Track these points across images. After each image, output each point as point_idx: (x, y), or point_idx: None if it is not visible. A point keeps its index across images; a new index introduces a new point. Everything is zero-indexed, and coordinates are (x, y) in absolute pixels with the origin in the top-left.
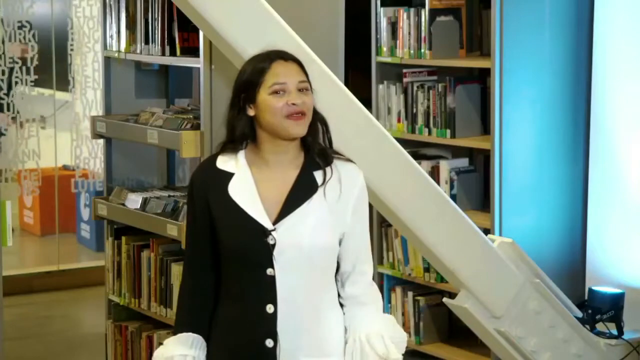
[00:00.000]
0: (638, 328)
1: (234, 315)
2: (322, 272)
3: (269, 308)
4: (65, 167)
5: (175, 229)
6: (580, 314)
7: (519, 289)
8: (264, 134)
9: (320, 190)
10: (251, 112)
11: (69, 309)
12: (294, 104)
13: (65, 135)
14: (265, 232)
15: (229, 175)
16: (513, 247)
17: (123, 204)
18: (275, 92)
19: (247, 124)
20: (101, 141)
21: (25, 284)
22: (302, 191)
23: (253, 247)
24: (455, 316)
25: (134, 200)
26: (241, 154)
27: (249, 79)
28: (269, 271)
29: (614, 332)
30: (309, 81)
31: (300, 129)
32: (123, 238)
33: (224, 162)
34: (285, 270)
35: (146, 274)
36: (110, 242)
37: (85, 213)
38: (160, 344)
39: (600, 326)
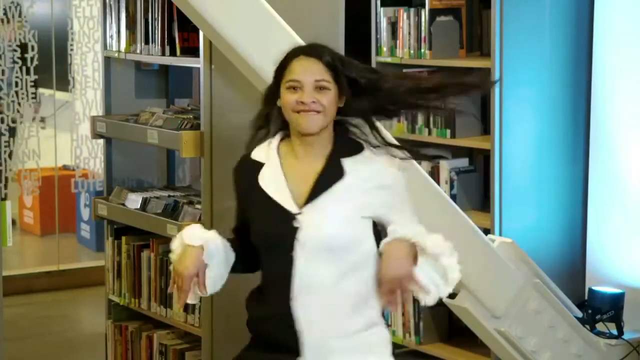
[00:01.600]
0: (638, 328)
1: (262, 303)
2: (346, 260)
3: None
4: (65, 167)
5: (175, 229)
6: (580, 314)
7: (519, 289)
8: (291, 126)
9: (346, 178)
10: (279, 103)
11: (69, 309)
12: (302, 102)
13: (65, 135)
14: (290, 216)
15: (260, 165)
16: (513, 247)
17: (123, 204)
18: (292, 89)
19: (276, 114)
20: (101, 141)
21: (25, 284)
22: (328, 177)
23: (278, 231)
24: (455, 316)
25: (134, 200)
26: (274, 145)
27: (275, 73)
28: (293, 254)
29: (614, 332)
30: (333, 79)
31: (309, 124)
32: (123, 238)
33: (257, 153)
34: (309, 254)
35: (146, 274)
36: (110, 242)
37: (85, 213)
38: (161, 344)
39: (600, 326)
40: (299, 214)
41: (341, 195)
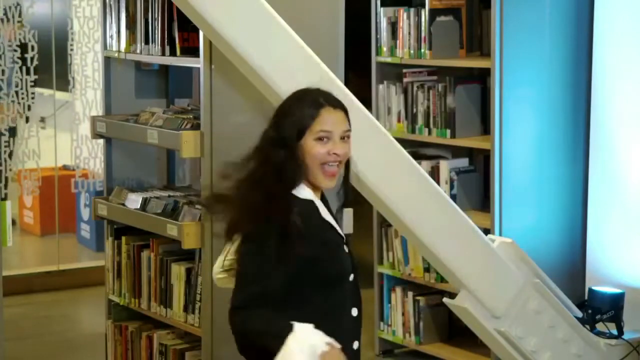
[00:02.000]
0: (638, 328)
1: (326, 329)
2: None
3: (354, 312)
4: (65, 167)
5: (175, 229)
6: (580, 314)
7: (519, 289)
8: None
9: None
10: (298, 152)
11: (69, 309)
12: (335, 154)
13: (65, 135)
14: (345, 241)
15: (313, 203)
16: (513, 247)
17: (123, 204)
18: (320, 139)
19: (297, 162)
20: (101, 141)
21: (25, 284)
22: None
23: (341, 257)
24: (455, 316)
25: (134, 200)
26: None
27: (299, 121)
28: (351, 277)
29: (614, 332)
30: (350, 128)
31: (332, 184)
32: (123, 238)
33: (302, 192)
34: (357, 274)
35: (146, 274)
36: (110, 242)
37: (85, 213)
38: (161, 344)
39: (600, 326)
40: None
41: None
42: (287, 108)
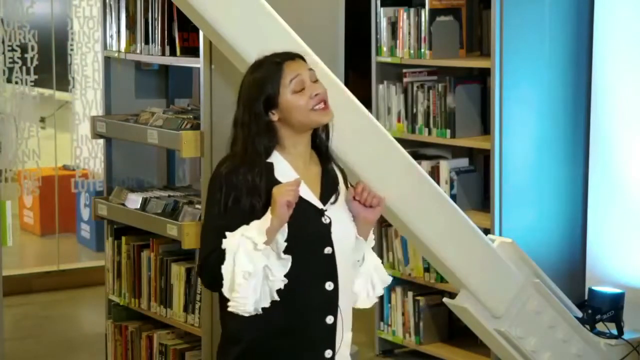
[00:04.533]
0: (638, 328)
1: (294, 298)
2: (352, 255)
3: (329, 285)
4: (65, 167)
5: (175, 229)
6: (580, 314)
7: (519, 289)
8: (286, 131)
9: (341, 183)
10: (275, 117)
11: (68, 309)
12: (317, 94)
13: (65, 135)
14: (320, 212)
15: (270, 166)
16: (513, 247)
17: (123, 204)
18: (296, 92)
19: (270, 131)
20: (101, 141)
21: (25, 284)
22: (330, 180)
23: (311, 226)
24: (455, 316)
25: (134, 200)
26: (275, 154)
27: (265, 84)
28: (327, 249)
29: (614, 332)
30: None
31: (328, 116)
32: (123, 238)
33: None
34: (340, 248)
35: (146, 274)
36: (110, 242)
37: (85, 213)
38: (161, 344)
39: (600, 326)
40: (326, 210)
41: (341, 197)
42: (248, 81)
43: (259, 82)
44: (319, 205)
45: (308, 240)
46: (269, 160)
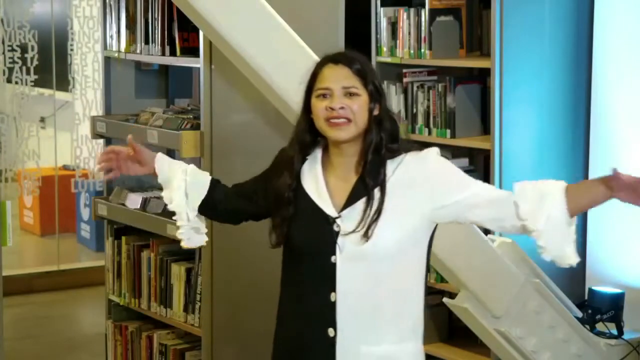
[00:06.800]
0: (638, 328)
1: (295, 305)
2: (390, 262)
3: (332, 297)
4: (65, 167)
5: (175, 229)
6: (580, 314)
7: (519, 289)
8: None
9: (382, 187)
10: (311, 115)
11: (68, 309)
12: (331, 108)
13: (65, 135)
14: (329, 220)
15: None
16: (513, 247)
17: (123, 204)
18: (321, 96)
19: (309, 127)
20: (101, 141)
21: (25, 283)
22: (363, 186)
23: (316, 233)
24: (455, 316)
25: (134, 200)
26: (317, 153)
27: (307, 83)
28: (332, 258)
29: (614, 332)
30: (363, 85)
31: (340, 134)
32: (123, 238)
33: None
34: (348, 258)
35: (146, 274)
36: (110, 242)
37: (85, 213)
38: (161, 344)
39: (600, 326)
40: (338, 217)
41: (376, 204)
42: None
43: (309, 78)
44: (332, 213)
45: (311, 246)
46: (309, 157)
